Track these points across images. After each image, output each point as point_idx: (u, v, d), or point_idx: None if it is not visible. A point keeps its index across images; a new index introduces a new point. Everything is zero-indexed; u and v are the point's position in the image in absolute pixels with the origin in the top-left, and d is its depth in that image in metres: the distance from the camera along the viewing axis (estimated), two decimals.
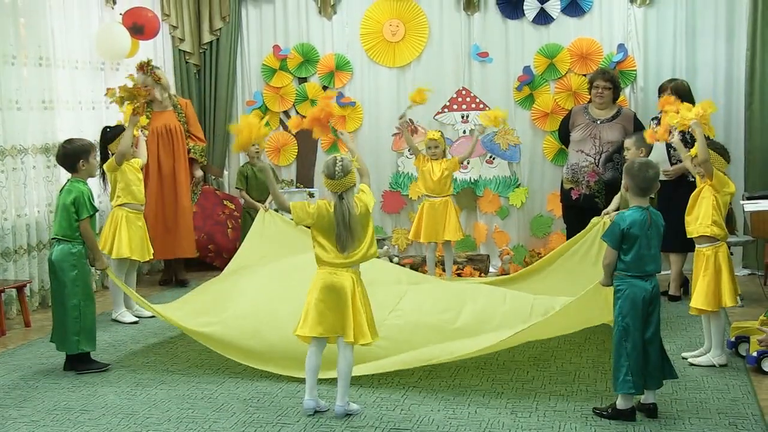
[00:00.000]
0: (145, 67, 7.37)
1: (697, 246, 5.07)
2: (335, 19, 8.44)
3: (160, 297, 7.20)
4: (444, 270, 7.33)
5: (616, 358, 4.21)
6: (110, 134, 6.37)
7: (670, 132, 5.13)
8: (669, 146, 6.56)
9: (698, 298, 4.96)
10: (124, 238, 6.23)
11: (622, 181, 4.40)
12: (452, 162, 7.08)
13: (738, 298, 5.02)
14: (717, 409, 4.36)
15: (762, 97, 7.43)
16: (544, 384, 4.79)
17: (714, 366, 4.99)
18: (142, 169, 6.52)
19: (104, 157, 6.29)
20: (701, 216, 4.99)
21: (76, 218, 5.15)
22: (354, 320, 4.25)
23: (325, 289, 4.27)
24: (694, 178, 6.52)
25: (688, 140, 5.89)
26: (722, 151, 5.17)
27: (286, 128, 8.58)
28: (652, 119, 6.88)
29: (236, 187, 7.73)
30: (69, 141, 5.38)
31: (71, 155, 5.26)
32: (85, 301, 5.20)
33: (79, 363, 5.19)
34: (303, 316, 4.35)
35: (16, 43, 6.60)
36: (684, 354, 5.21)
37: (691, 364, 5.05)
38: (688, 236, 5.09)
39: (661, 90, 6.78)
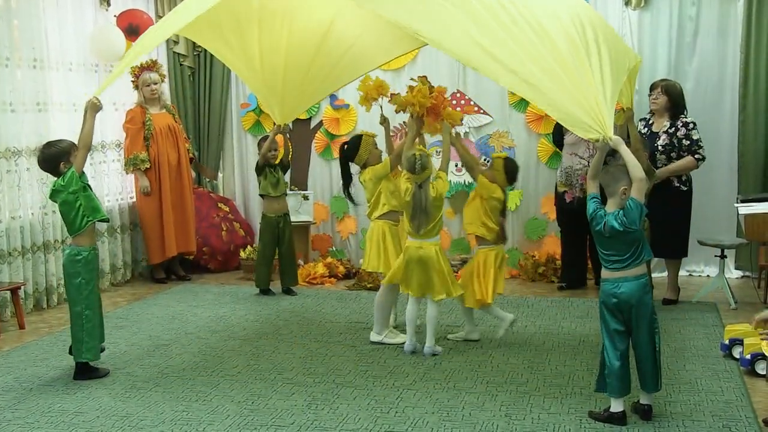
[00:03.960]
0: (153, 66, 7.68)
1: (478, 245, 5.62)
2: None
3: (168, 294, 7.24)
4: None
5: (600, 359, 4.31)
6: (349, 148, 6.02)
7: None
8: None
9: (471, 296, 5.54)
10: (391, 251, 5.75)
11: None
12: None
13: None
14: (711, 412, 4.37)
15: (756, 100, 7.44)
16: (538, 386, 4.80)
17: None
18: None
19: (346, 174, 6.02)
20: (472, 217, 5.57)
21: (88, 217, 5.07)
22: (441, 281, 5.27)
23: (412, 262, 5.26)
24: (681, 183, 6.55)
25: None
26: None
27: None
28: (641, 120, 6.86)
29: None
30: (47, 145, 5.20)
31: (50, 159, 5.12)
32: (90, 309, 5.09)
33: (79, 373, 5.10)
34: (395, 271, 5.39)
35: (9, 45, 6.58)
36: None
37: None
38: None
39: (653, 88, 6.75)
